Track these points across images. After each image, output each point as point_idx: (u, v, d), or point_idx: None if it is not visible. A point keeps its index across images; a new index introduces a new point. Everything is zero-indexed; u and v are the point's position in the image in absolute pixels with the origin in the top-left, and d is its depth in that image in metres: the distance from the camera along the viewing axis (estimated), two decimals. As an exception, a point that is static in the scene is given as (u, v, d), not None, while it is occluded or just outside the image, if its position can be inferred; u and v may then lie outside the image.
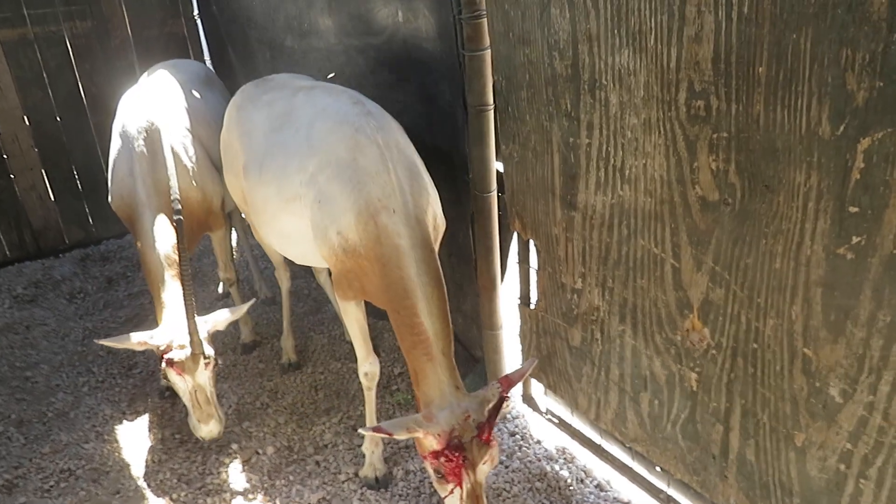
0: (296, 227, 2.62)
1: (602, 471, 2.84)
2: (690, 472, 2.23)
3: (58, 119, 5.21)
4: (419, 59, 2.87)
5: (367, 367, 2.74)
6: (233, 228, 4.40)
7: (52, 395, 3.66)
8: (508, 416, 3.20)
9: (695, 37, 1.66)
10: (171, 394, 3.48)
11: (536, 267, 2.66)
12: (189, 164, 3.22)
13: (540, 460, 2.94)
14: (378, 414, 3.13)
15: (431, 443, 2.11)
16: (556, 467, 2.89)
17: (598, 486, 2.79)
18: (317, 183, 2.47)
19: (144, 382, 3.72)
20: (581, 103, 2.10)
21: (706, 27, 1.62)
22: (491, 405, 2.17)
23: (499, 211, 2.79)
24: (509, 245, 2.93)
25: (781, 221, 1.63)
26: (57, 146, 5.25)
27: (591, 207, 2.23)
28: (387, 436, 2.10)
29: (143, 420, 3.43)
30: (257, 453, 3.13)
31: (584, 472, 2.86)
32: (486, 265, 2.88)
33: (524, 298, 2.87)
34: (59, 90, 5.15)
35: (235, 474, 3.02)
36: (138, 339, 2.76)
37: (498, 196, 2.76)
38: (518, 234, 2.71)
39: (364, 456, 2.89)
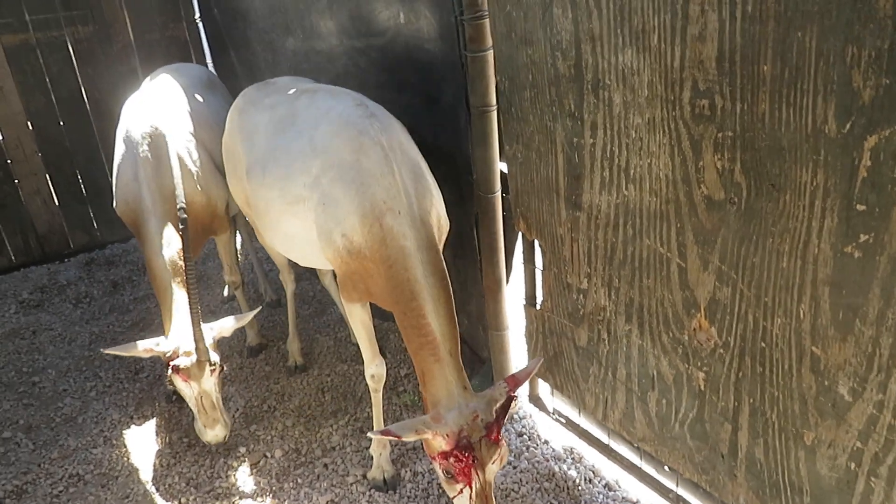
0: (300, 229, 2.61)
1: (610, 470, 2.84)
2: (699, 471, 2.22)
3: (61, 123, 5.23)
4: (421, 60, 2.86)
5: (374, 368, 2.74)
6: (237, 231, 4.41)
7: (60, 400, 3.68)
8: (516, 416, 3.19)
9: (698, 35, 1.65)
10: (178, 398, 3.49)
11: (542, 267, 2.65)
12: (193, 169, 3.22)
13: (548, 460, 2.93)
14: (385, 415, 3.14)
15: (440, 443, 2.11)
16: (565, 467, 2.89)
17: (607, 486, 2.79)
18: (320, 185, 2.47)
19: (151, 386, 3.73)
20: (584, 103, 2.10)
21: (710, 26, 1.61)
22: (499, 405, 2.17)
23: (503, 211, 2.79)
24: (514, 246, 2.92)
25: (788, 220, 1.62)
26: (60, 151, 5.27)
27: (596, 207, 2.22)
28: (396, 439, 2.10)
29: (151, 424, 3.45)
30: (265, 456, 3.14)
31: (593, 472, 2.85)
32: (491, 266, 2.88)
33: (530, 299, 2.87)
34: (61, 95, 5.18)
35: (244, 478, 3.03)
36: (144, 347, 2.77)
37: (502, 197, 2.76)
38: (523, 234, 2.70)
39: (372, 458, 2.89)
